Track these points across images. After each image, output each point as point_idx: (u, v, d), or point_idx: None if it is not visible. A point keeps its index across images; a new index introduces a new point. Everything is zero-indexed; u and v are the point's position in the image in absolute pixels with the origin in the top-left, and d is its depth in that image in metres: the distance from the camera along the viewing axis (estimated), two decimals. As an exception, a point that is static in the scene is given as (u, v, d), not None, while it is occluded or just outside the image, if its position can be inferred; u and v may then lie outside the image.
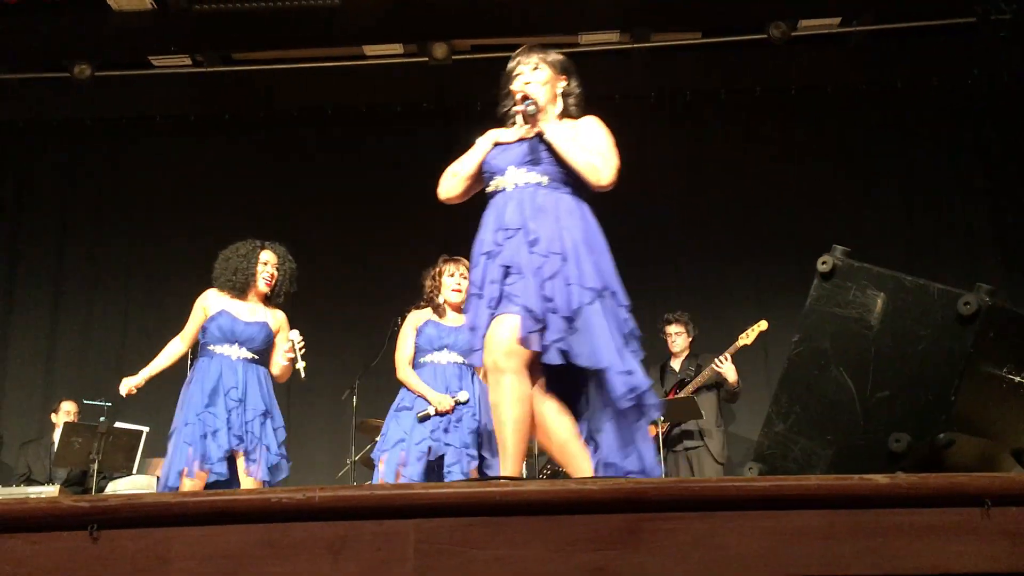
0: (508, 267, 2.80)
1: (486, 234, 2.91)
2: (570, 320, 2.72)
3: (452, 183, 3.07)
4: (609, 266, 2.87)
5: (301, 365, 4.33)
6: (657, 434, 5.78)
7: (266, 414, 4.27)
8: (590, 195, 2.98)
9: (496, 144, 3.04)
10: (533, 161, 2.93)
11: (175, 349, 4.42)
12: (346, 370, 6.19)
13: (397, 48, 7.35)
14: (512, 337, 2.70)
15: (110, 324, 7.38)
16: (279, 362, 4.37)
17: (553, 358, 2.70)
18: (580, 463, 2.74)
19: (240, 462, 4.19)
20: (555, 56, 3.12)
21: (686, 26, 7.24)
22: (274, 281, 4.41)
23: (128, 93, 7.47)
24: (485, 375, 2.97)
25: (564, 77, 3.12)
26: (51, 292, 7.53)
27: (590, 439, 2.82)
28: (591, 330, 2.72)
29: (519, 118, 2.98)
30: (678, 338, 6.28)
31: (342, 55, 7.36)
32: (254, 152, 7.68)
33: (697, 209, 7.39)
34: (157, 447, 5.55)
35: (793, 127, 7.49)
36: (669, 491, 1.92)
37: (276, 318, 4.44)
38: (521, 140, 2.99)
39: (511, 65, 3.11)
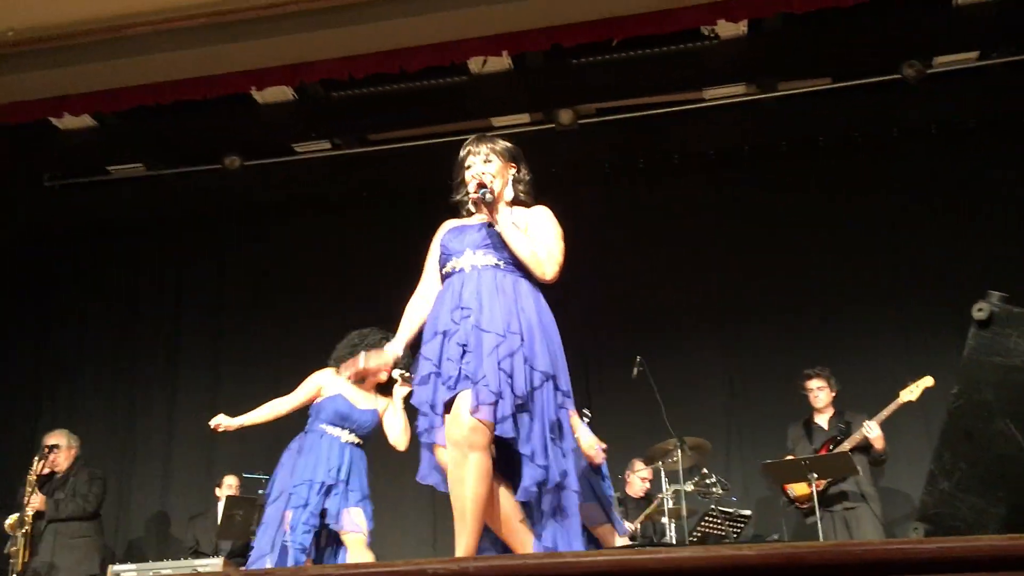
0: (465, 346, 2.87)
1: (442, 313, 2.98)
2: (523, 399, 2.81)
3: (423, 307, 3.14)
4: (557, 351, 2.97)
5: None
6: (812, 493, 5.58)
7: (364, 498, 4.45)
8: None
9: (452, 228, 3.19)
10: (491, 245, 3.03)
11: (278, 409, 4.60)
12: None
13: (524, 118, 7.52)
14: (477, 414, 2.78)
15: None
16: (397, 419, 4.47)
17: (507, 431, 2.77)
18: (523, 538, 2.83)
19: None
20: (504, 145, 3.21)
21: (815, 73, 7.12)
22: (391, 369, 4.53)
23: (274, 179, 7.90)
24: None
25: (514, 165, 3.21)
26: (210, 374, 7.95)
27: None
28: (533, 413, 2.82)
29: (473, 206, 3.11)
30: (820, 393, 6.07)
31: (472, 128, 7.58)
32: (393, 228, 7.95)
33: (838, 255, 7.19)
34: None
35: (935, 166, 7.22)
36: (829, 555, 1.86)
37: (383, 404, 4.60)
38: (478, 224, 3.11)
39: (462, 154, 3.22)
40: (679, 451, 5.69)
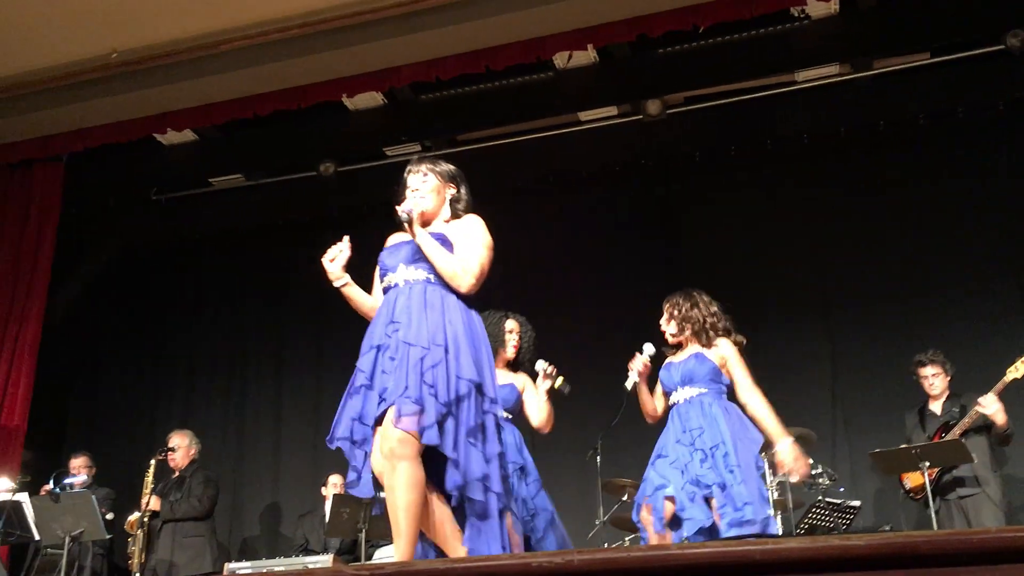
0: (394, 359, 3.02)
1: (377, 327, 3.15)
2: (448, 407, 2.96)
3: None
4: (484, 360, 3.13)
5: (559, 382, 4.50)
6: (925, 482, 5.40)
7: (522, 468, 4.39)
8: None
9: (390, 244, 3.36)
10: (421, 259, 3.21)
11: None
12: (588, 431, 6.24)
13: (611, 110, 7.49)
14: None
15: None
16: (538, 406, 4.50)
17: (432, 438, 2.91)
18: (454, 543, 2.96)
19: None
20: (444, 167, 3.44)
21: (912, 48, 6.88)
22: (519, 348, 4.59)
23: (367, 183, 8.05)
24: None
25: (452, 185, 3.43)
26: (313, 378, 8.16)
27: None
28: (459, 419, 2.98)
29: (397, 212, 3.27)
30: (935, 380, 5.86)
31: (559, 124, 7.59)
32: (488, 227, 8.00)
33: (942, 236, 6.94)
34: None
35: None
36: (944, 544, 1.80)
37: (520, 381, 4.60)
38: (411, 241, 3.26)
39: (404, 175, 3.43)
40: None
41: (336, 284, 3.34)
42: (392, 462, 2.92)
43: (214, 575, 6.02)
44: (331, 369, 8.13)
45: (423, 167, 3.41)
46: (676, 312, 4.53)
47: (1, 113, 7.44)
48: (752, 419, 4.31)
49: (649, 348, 4.58)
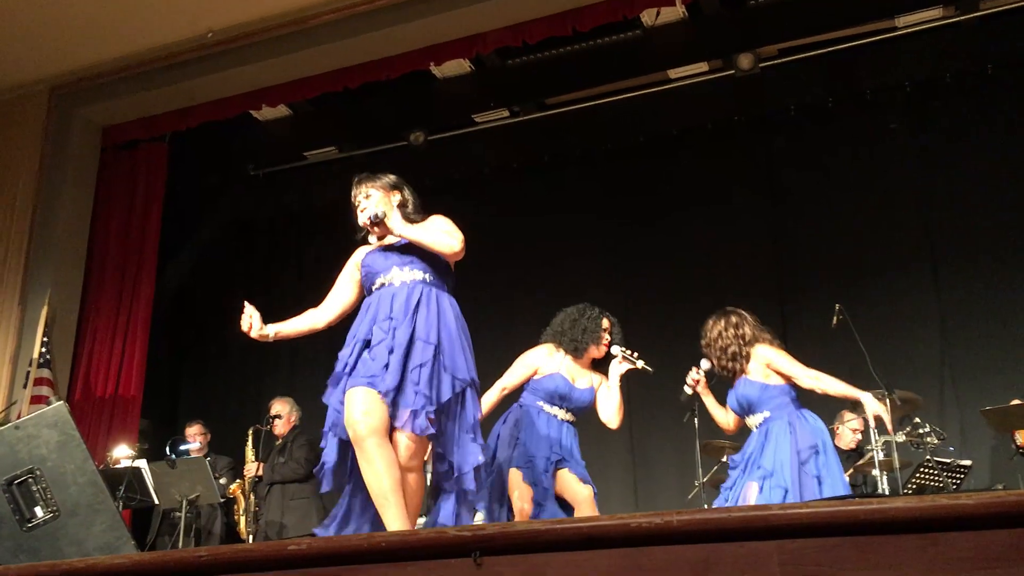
0: (391, 352, 3.15)
1: (364, 323, 3.28)
2: (441, 404, 3.11)
3: (317, 316, 3.57)
4: (472, 359, 3.28)
5: (641, 363, 4.42)
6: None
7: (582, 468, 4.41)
8: (455, 291, 3.42)
9: (371, 251, 3.47)
10: (415, 260, 3.34)
11: (493, 397, 4.49)
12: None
13: (702, 67, 7.32)
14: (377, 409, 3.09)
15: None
16: (612, 397, 4.44)
17: (427, 429, 3.08)
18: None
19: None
20: (384, 179, 3.52)
21: (1022, -15, 6.53)
22: (608, 346, 4.51)
23: (457, 151, 8.09)
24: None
25: (396, 191, 3.52)
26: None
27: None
28: (453, 415, 3.16)
29: (373, 233, 3.43)
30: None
31: (649, 83, 7.47)
32: (574, 190, 7.96)
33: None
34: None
35: None
36: (1060, 503, 1.74)
37: (597, 380, 4.53)
38: (399, 244, 3.39)
39: (352, 196, 3.52)
40: (887, 401, 5.43)
41: (269, 339, 3.51)
42: (371, 441, 3.07)
43: (323, 537, 6.22)
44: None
45: (363, 188, 3.49)
46: (710, 348, 4.53)
47: (106, 96, 7.74)
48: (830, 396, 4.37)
49: (704, 363, 4.57)
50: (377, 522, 3.15)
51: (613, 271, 7.50)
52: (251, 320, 3.47)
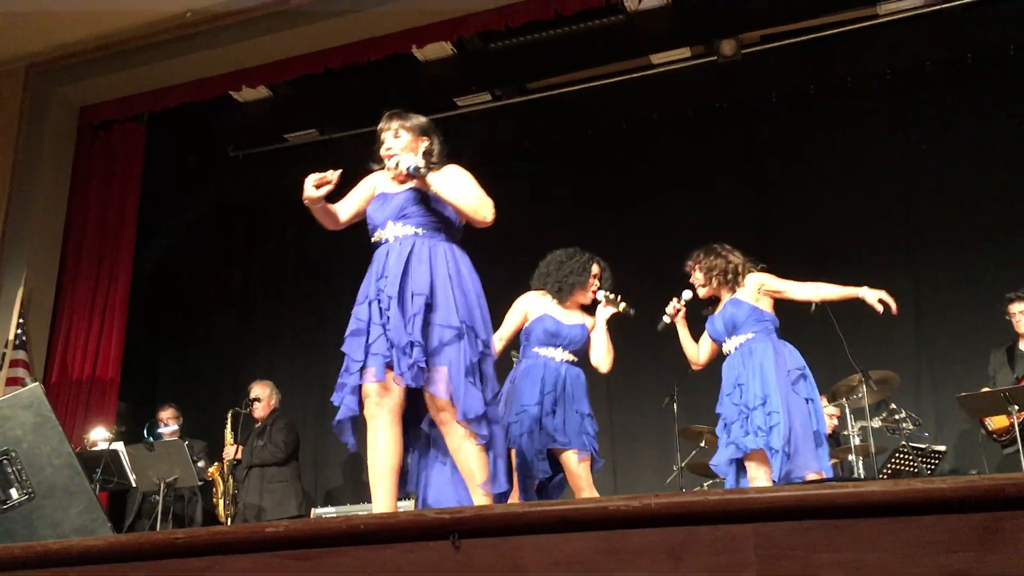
0: (387, 311, 3.14)
1: (371, 281, 3.26)
2: (430, 355, 3.08)
3: (344, 218, 3.50)
4: (475, 304, 3.23)
5: (623, 306, 4.44)
6: (1012, 424, 5.26)
7: (589, 415, 4.36)
8: (460, 238, 3.38)
9: (375, 195, 3.43)
10: (407, 215, 3.28)
11: (497, 349, 4.53)
12: (665, 378, 6.22)
13: (684, 52, 7.32)
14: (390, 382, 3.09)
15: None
16: (598, 346, 4.43)
17: (418, 381, 3.05)
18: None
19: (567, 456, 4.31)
20: (415, 121, 3.41)
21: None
22: (596, 293, 4.53)
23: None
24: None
25: (425, 138, 3.41)
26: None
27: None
28: (453, 363, 3.09)
29: (402, 178, 3.32)
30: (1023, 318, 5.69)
31: (631, 68, 7.46)
32: (555, 175, 7.96)
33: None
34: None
35: None
36: (1031, 487, 1.76)
37: (590, 321, 4.51)
38: (396, 195, 3.33)
39: (378, 130, 3.43)
40: (863, 386, 5.48)
41: (308, 203, 3.38)
42: (385, 416, 3.11)
43: (300, 519, 6.22)
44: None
45: (394, 124, 3.39)
46: (699, 265, 4.59)
47: (82, 75, 7.66)
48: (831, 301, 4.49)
49: (687, 294, 4.64)
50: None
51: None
52: (324, 179, 3.33)
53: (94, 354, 7.52)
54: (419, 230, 3.29)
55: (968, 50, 6.79)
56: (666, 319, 4.64)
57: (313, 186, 3.30)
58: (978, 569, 1.70)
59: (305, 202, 3.36)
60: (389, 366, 3.11)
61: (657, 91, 7.45)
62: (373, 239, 3.39)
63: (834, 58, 7.04)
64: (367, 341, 3.16)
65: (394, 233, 3.30)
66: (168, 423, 7.00)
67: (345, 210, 3.52)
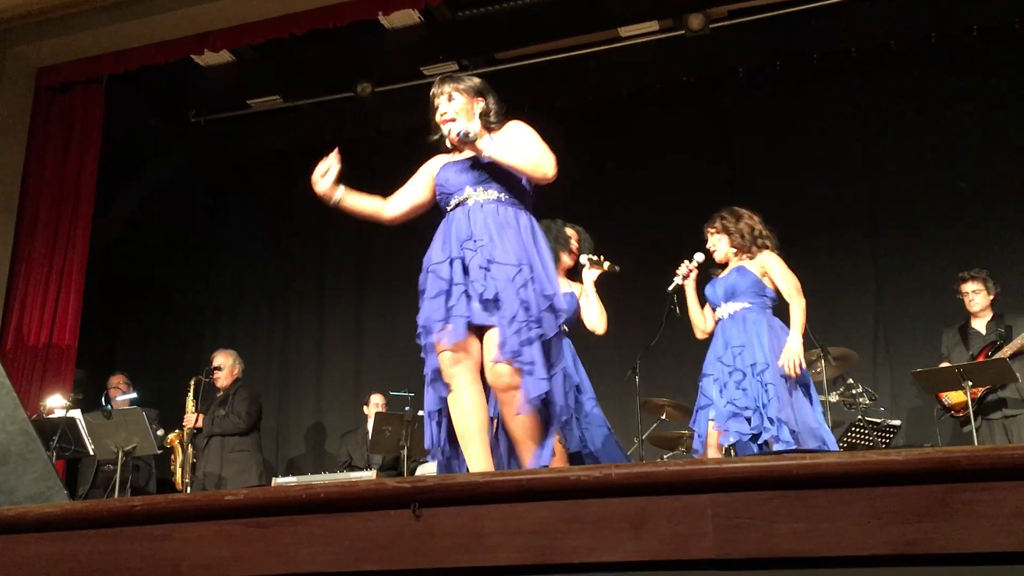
0: (487, 269, 3.01)
1: (450, 243, 3.11)
2: (536, 323, 2.99)
3: (385, 203, 3.37)
4: (554, 276, 3.15)
5: (607, 264, 4.45)
6: (968, 401, 5.37)
7: (577, 387, 4.36)
8: (533, 208, 3.27)
9: (446, 164, 3.28)
10: (489, 178, 3.16)
11: None
12: (626, 351, 6.25)
13: (652, 25, 7.30)
14: (490, 348, 2.98)
15: (408, 321, 7.95)
16: (591, 309, 4.42)
17: (527, 358, 2.94)
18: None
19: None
20: (468, 82, 3.30)
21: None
22: (577, 254, 4.52)
23: (404, 105, 7.96)
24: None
25: (480, 99, 3.31)
26: (355, 298, 8.25)
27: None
28: (542, 334, 3.00)
29: (456, 147, 3.21)
30: (976, 296, 5.79)
31: (599, 40, 7.43)
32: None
33: (988, 154, 6.78)
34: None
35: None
36: (983, 460, 1.79)
37: (578, 289, 4.50)
38: (475, 159, 3.19)
39: (431, 95, 3.31)
40: (822, 361, 5.55)
41: (332, 203, 3.27)
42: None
43: (261, 488, 6.21)
44: (373, 290, 8.21)
45: (447, 88, 3.27)
46: (723, 225, 4.58)
47: (40, 35, 7.47)
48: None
49: (699, 256, 4.64)
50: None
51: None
52: (328, 168, 3.24)
53: (51, 321, 7.40)
54: (501, 195, 3.18)
55: (933, 29, 6.84)
56: (677, 280, 4.62)
57: (319, 177, 3.23)
58: (932, 540, 1.73)
59: (324, 201, 3.26)
60: (470, 326, 3.02)
61: (625, 65, 7.43)
62: (448, 207, 3.24)
63: (801, 34, 7.06)
64: (447, 301, 3.04)
65: (475, 198, 3.17)
66: (122, 390, 6.92)
67: (401, 201, 3.39)
